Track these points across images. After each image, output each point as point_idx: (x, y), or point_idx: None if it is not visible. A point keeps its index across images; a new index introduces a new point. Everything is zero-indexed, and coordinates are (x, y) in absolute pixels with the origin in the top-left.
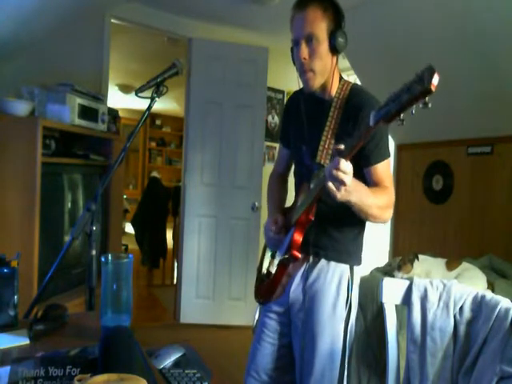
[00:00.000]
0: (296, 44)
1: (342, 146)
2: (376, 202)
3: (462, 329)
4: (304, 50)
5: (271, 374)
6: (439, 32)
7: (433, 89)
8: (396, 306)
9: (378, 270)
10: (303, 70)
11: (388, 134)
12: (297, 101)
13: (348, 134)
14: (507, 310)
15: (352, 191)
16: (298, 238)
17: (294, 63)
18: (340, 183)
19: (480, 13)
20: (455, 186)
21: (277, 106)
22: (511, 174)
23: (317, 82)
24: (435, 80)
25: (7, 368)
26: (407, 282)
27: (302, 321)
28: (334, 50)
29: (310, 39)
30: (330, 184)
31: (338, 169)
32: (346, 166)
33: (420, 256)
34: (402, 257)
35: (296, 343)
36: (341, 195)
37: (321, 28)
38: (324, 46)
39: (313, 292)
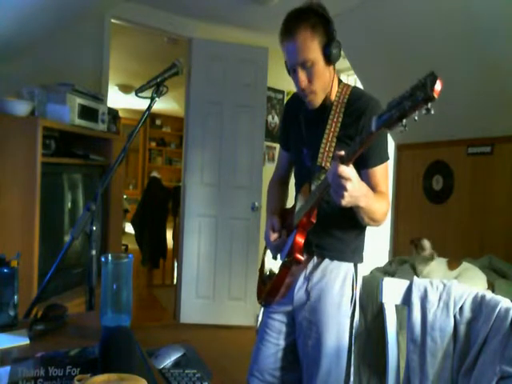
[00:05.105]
0: (293, 71)
1: (343, 152)
2: (379, 207)
3: (462, 329)
4: (302, 77)
5: (275, 374)
6: (439, 32)
7: (435, 96)
8: (396, 306)
9: (378, 269)
10: (305, 95)
11: (387, 137)
12: (296, 103)
13: (350, 137)
14: (507, 310)
15: (359, 196)
16: (300, 240)
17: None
18: (342, 189)
19: (480, 13)
20: (455, 185)
21: (277, 106)
22: (511, 173)
23: (319, 99)
24: (438, 87)
25: (7, 368)
26: (407, 282)
27: (307, 320)
28: (330, 62)
29: (305, 65)
30: (333, 190)
31: (337, 175)
32: (347, 172)
33: None
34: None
35: (301, 342)
36: (345, 201)
37: (313, 49)
38: (320, 65)
39: (318, 291)
